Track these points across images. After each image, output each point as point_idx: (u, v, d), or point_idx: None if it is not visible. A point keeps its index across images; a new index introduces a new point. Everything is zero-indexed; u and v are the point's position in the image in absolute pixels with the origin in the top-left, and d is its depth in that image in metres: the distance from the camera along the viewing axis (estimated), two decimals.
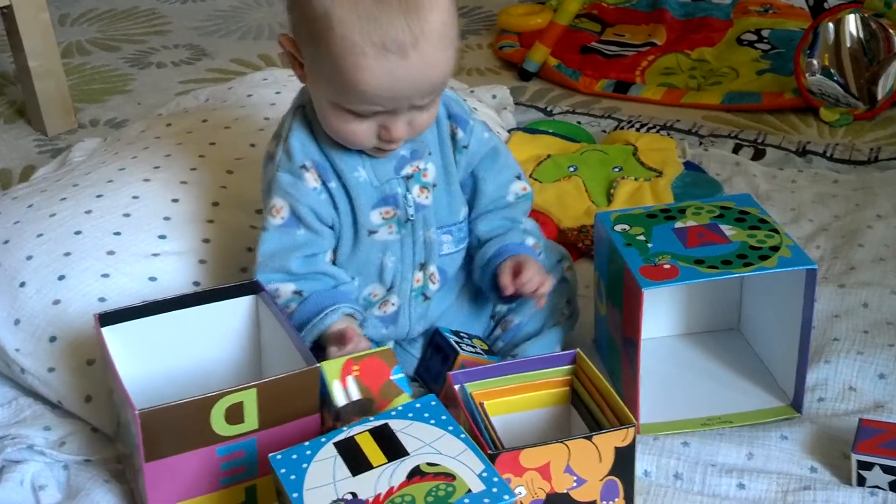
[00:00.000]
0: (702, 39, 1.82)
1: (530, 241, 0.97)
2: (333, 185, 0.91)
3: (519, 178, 0.99)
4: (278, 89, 1.34)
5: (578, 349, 0.90)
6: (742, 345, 1.07)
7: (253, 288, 0.95)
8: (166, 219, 1.08)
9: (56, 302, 1.00)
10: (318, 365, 0.83)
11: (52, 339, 0.99)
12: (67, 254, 1.03)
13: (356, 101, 0.83)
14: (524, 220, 0.99)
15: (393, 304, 0.97)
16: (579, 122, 1.54)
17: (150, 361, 0.92)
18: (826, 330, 1.07)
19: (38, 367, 0.98)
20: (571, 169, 1.32)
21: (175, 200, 1.10)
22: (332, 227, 0.92)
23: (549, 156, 1.36)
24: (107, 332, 0.88)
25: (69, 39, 2.04)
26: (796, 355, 0.95)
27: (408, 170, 0.92)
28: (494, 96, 1.55)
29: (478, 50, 1.92)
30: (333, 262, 0.95)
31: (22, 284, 1.02)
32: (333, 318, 0.90)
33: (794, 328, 0.95)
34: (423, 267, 0.96)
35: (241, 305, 0.95)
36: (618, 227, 0.98)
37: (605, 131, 1.52)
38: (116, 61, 1.95)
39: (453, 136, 0.94)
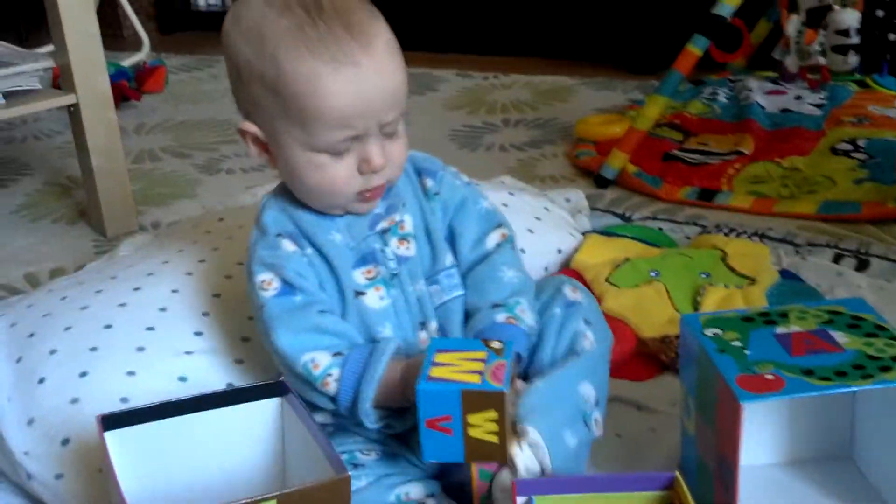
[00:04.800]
0: (793, 148, 1.71)
1: (500, 317, 0.88)
2: (309, 251, 0.88)
3: (500, 225, 0.95)
4: None
5: (678, 471, 0.77)
6: (855, 475, 0.91)
7: (278, 390, 0.85)
8: (205, 314, 1.00)
9: (74, 400, 0.92)
10: (349, 474, 0.72)
11: (65, 441, 0.90)
12: (94, 349, 0.96)
13: (328, 128, 0.82)
14: (505, 273, 0.91)
15: None
16: (660, 229, 1.43)
17: (160, 471, 0.81)
18: None
19: (46, 472, 0.89)
20: (653, 274, 1.20)
21: (217, 295, 1.02)
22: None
23: (627, 259, 1.24)
24: (111, 437, 0.78)
25: (142, 147, 2.04)
26: None
27: (383, 224, 0.90)
28: (568, 199, 1.46)
29: (553, 158, 1.85)
30: None
31: (41, 381, 0.94)
32: (389, 352, 0.82)
33: None
34: (423, 326, 0.88)
35: (264, 409, 0.85)
36: (708, 332, 0.85)
37: (688, 237, 1.40)
38: (186, 167, 1.93)
39: (425, 189, 0.93)
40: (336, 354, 0.83)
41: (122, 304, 1.01)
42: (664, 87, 1.61)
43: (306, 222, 0.88)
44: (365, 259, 0.88)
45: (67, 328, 0.99)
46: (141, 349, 0.96)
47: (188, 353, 0.96)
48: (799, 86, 1.94)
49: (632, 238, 1.32)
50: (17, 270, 1.52)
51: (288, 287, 0.86)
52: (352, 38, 0.81)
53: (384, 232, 0.90)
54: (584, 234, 1.34)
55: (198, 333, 0.98)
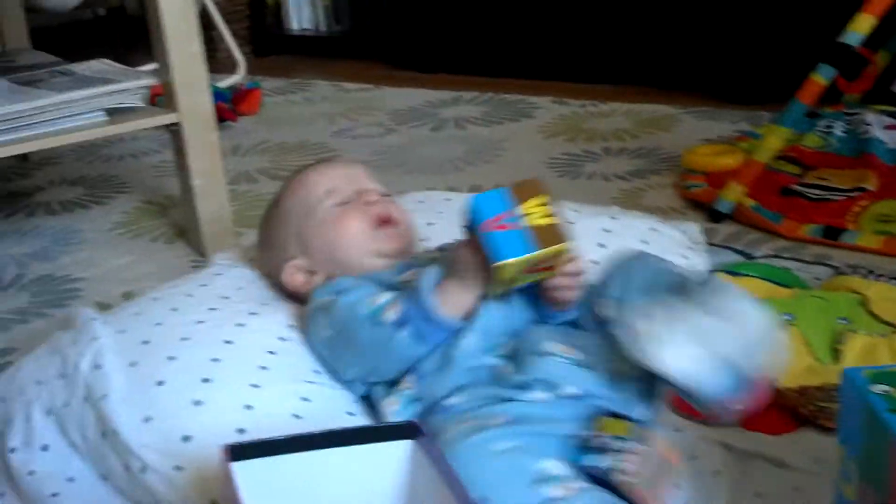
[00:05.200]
0: None
1: None
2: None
3: None
4: (441, 209, 1.24)
5: None
6: None
7: (411, 431, 0.79)
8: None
9: (196, 402, 0.91)
10: None
11: (186, 438, 0.88)
12: (216, 360, 0.94)
13: (318, 192, 1.03)
14: None
15: None
16: (786, 269, 1.34)
17: None
18: None
19: (165, 464, 0.87)
20: (786, 317, 1.12)
21: None
22: None
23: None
24: (238, 468, 0.73)
25: (239, 168, 2.03)
26: None
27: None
28: (683, 232, 1.38)
29: (659, 189, 1.77)
30: None
31: (160, 383, 0.93)
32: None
33: None
34: None
35: (394, 451, 0.79)
36: (877, 389, 0.76)
37: (818, 279, 1.31)
38: None
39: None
40: (392, 294, 0.91)
41: (240, 325, 0.99)
42: (786, 118, 1.53)
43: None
44: (404, 268, 0.97)
45: (184, 339, 0.97)
46: (264, 367, 0.95)
47: (309, 382, 0.95)
48: None
49: (758, 278, 1.23)
50: (116, 289, 1.51)
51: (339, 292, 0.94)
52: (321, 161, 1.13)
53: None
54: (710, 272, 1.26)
55: (316, 371, 0.96)
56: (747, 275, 1.25)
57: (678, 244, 1.27)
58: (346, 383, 0.94)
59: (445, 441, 0.80)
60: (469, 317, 0.88)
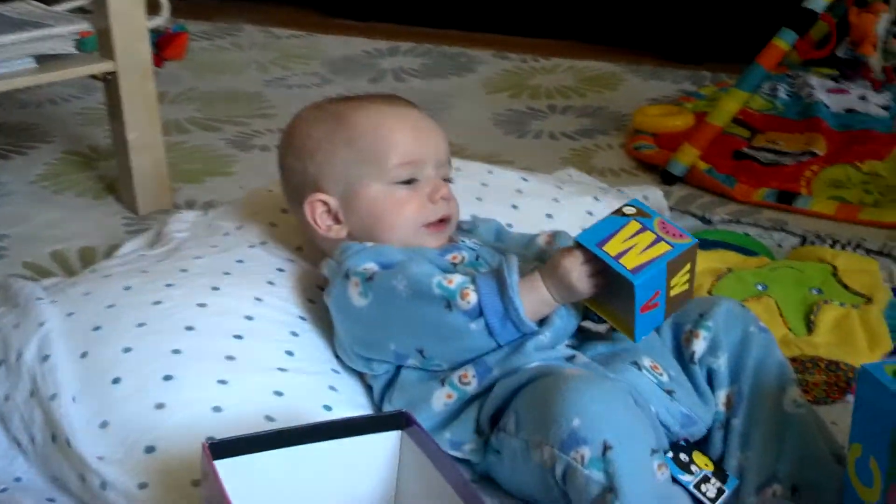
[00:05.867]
0: (869, 152, 1.62)
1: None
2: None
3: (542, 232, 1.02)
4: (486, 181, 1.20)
5: None
6: None
7: (399, 422, 0.75)
8: (294, 334, 0.91)
9: (159, 406, 0.82)
10: None
11: (150, 449, 0.80)
12: (177, 351, 0.85)
13: (395, 156, 0.93)
14: None
15: None
16: (746, 234, 1.33)
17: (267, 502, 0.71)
18: None
19: (127, 481, 0.78)
20: (760, 287, 1.11)
21: (311, 301, 0.92)
22: None
23: (729, 270, 1.15)
24: (218, 466, 0.68)
25: (167, 117, 1.91)
26: None
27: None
28: (646, 197, 1.36)
29: (608, 150, 1.75)
30: None
31: (116, 381, 0.84)
32: (515, 261, 0.85)
33: None
34: None
35: (382, 442, 0.75)
36: None
37: (780, 245, 1.31)
38: (217, 142, 1.81)
39: (463, 230, 1.01)
40: (464, 277, 0.85)
41: (202, 304, 0.91)
42: (745, 82, 1.52)
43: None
44: (447, 250, 0.93)
45: (141, 324, 0.88)
46: (231, 358, 0.86)
47: (281, 369, 0.87)
48: (860, 85, 1.85)
49: (725, 246, 1.22)
50: (43, 248, 1.41)
51: (386, 264, 0.88)
52: (397, 100, 0.99)
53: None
54: None
55: (288, 353, 0.89)
56: (714, 242, 1.24)
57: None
58: (364, 360, 0.88)
59: (562, 379, 0.77)
60: (544, 321, 0.85)
